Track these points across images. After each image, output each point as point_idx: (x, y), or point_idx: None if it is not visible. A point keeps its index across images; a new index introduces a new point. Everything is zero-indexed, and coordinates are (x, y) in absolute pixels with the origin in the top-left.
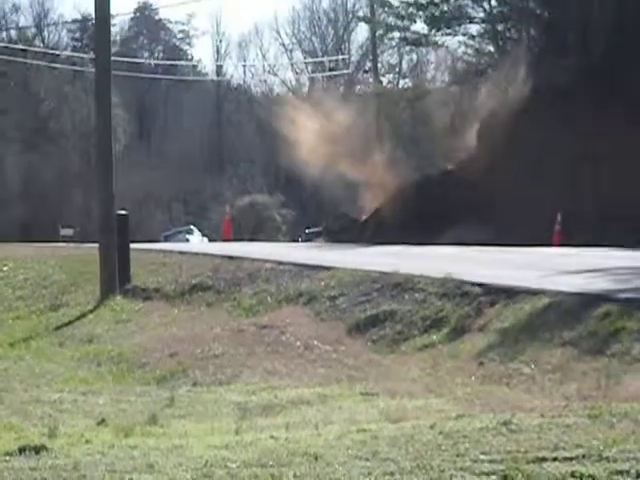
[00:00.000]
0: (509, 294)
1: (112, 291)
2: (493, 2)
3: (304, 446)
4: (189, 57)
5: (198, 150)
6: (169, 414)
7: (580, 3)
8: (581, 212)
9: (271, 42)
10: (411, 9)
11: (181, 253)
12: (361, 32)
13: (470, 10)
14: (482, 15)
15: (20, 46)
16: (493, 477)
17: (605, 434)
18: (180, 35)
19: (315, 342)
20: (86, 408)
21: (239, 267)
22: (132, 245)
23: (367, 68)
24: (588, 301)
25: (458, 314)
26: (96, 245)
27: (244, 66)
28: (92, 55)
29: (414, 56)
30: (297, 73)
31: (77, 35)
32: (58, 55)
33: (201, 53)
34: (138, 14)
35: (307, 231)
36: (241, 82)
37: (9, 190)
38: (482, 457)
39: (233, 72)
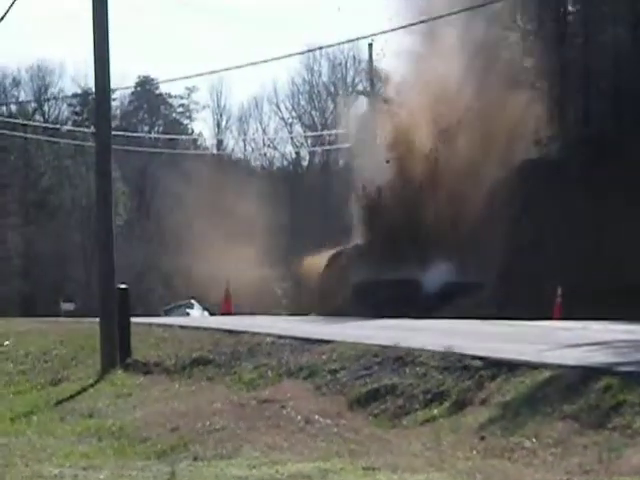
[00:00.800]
0: (510, 367)
1: (113, 365)
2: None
3: None
4: (190, 131)
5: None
6: None
7: (579, 76)
8: (581, 285)
9: (271, 116)
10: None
11: (181, 327)
12: (361, 105)
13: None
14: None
15: (20, 120)
16: None
17: None
18: (180, 109)
19: (316, 416)
20: None
21: (239, 341)
22: (133, 319)
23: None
24: (589, 374)
25: (459, 388)
26: (97, 319)
27: (244, 140)
28: (92, 129)
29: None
30: (297, 147)
31: (77, 109)
32: (58, 129)
33: (202, 126)
34: (139, 88)
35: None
36: (241, 155)
37: (10, 264)
38: None
39: (234, 146)
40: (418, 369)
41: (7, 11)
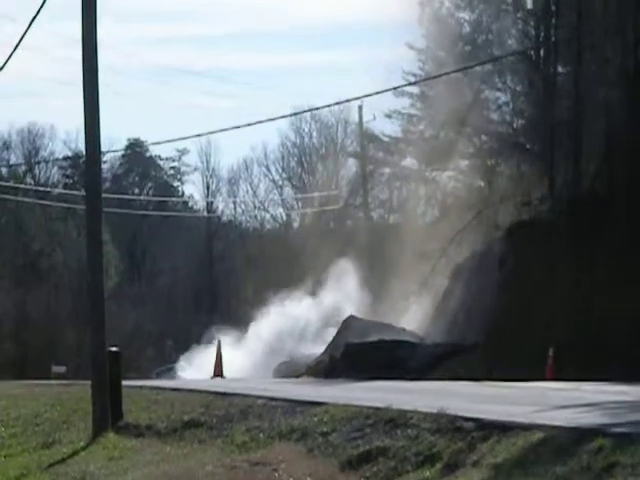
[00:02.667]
0: (502, 429)
1: (104, 428)
2: (483, 137)
3: None
4: (180, 193)
5: (189, 286)
6: None
7: (570, 138)
8: (573, 345)
9: (261, 178)
10: (401, 144)
11: (173, 390)
12: (351, 167)
13: (460, 145)
14: (472, 150)
15: (11, 184)
16: None
17: None
18: (171, 172)
19: (308, 479)
20: None
21: (231, 403)
22: (124, 382)
23: (357, 203)
24: (581, 435)
25: (451, 449)
26: (88, 382)
27: (234, 202)
28: (83, 192)
29: (404, 191)
30: (288, 209)
31: (68, 172)
32: (49, 192)
33: (192, 189)
34: (129, 151)
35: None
36: (232, 218)
37: (1, 328)
38: None
39: (224, 208)
40: (410, 431)
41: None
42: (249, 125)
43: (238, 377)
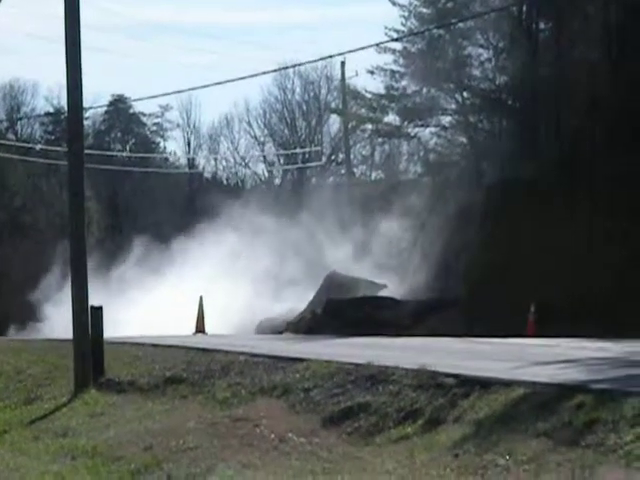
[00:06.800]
0: (483, 385)
1: (86, 384)
2: (465, 94)
3: None
4: (162, 149)
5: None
6: None
7: (552, 95)
8: (554, 302)
9: (242, 134)
10: (383, 101)
11: (154, 346)
12: (334, 124)
13: (442, 101)
14: (454, 106)
15: None
16: None
17: None
18: (154, 128)
19: (290, 435)
20: None
21: (212, 359)
22: (106, 338)
23: (340, 160)
24: (562, 392)
25: (433, 406)
26: (70, 338)
27: (215, 159)
28: (65, 148)
29: (386, 147)
30: (269, 165)
31: (50, 128)
32: (31, 148)
33: (174, 145)
34: (112, 107)
35: None
36: (213, 174)
37: None
38: None
39: (205, 164)
40: (391, 387)
41: None
42: (230, 81)
43: (220, 333)
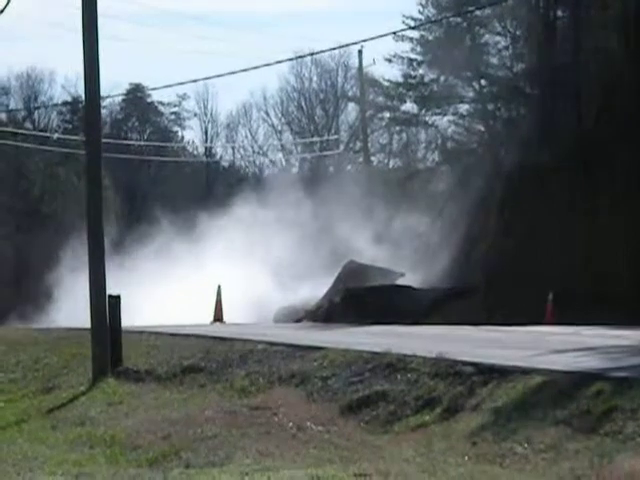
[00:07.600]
0: (502, 373)
1: (104, 373)
2: (483, 82)
3: None
4: (179, 138)
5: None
6: None
7: (570, 82)
8: (573, 289)
9: (260, 123)
10: (401, 89)
11: (173, 335)
12: (351, 112)
13: (460, 89)
14: (472, 94)
15: (10, 129)
16: None
17: None
18: (171, 117)
19: (308, 423)
20: None
21: (231, 348)
22: (124, 327)
23: (357, 148)
24: (581, 380)
25: (451, 394)
26: (87, 327)
27: (233, 147)
28: (83, 137)
29: (404, 136)
30: (287, 154)
31: (68, 117)
32: (49, 137)
33: (192, 134)
34: (130, 96)
35: None
36: (231, 163)
37: (1, 274)
38: None
39: (222, 153)
40: (409, 375)
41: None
42: (246, 70)
43: (238, 322)
